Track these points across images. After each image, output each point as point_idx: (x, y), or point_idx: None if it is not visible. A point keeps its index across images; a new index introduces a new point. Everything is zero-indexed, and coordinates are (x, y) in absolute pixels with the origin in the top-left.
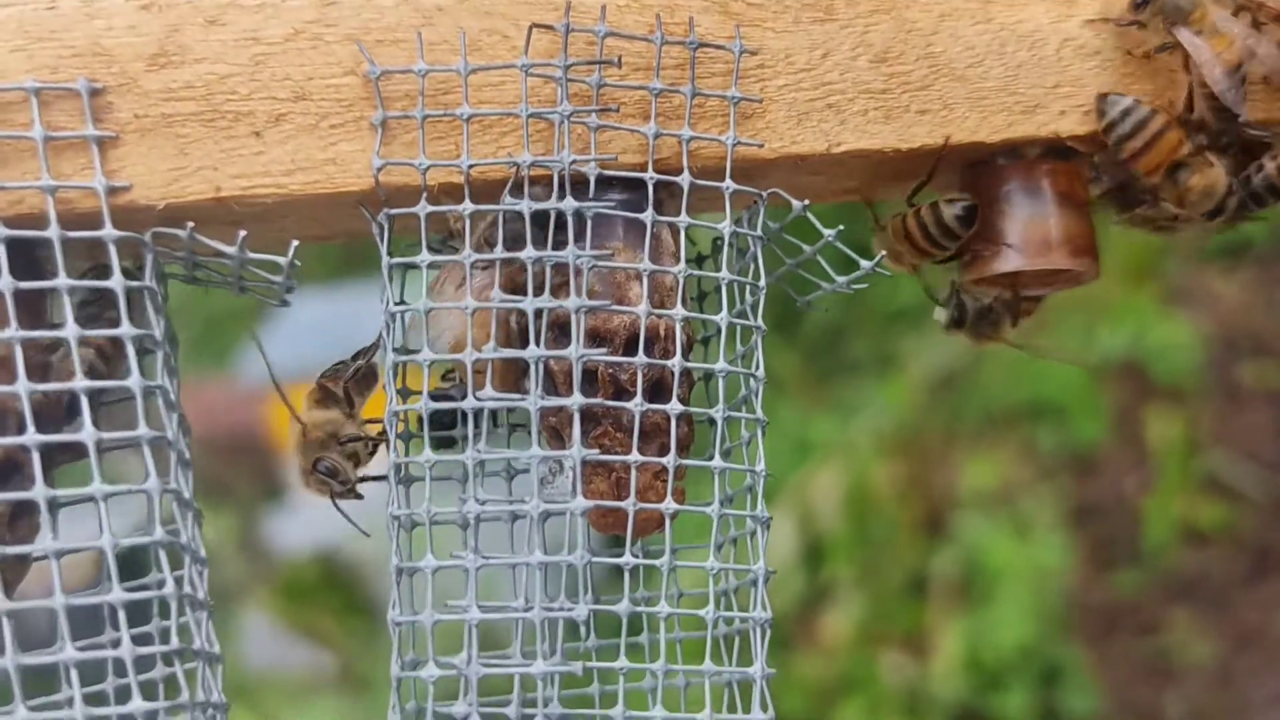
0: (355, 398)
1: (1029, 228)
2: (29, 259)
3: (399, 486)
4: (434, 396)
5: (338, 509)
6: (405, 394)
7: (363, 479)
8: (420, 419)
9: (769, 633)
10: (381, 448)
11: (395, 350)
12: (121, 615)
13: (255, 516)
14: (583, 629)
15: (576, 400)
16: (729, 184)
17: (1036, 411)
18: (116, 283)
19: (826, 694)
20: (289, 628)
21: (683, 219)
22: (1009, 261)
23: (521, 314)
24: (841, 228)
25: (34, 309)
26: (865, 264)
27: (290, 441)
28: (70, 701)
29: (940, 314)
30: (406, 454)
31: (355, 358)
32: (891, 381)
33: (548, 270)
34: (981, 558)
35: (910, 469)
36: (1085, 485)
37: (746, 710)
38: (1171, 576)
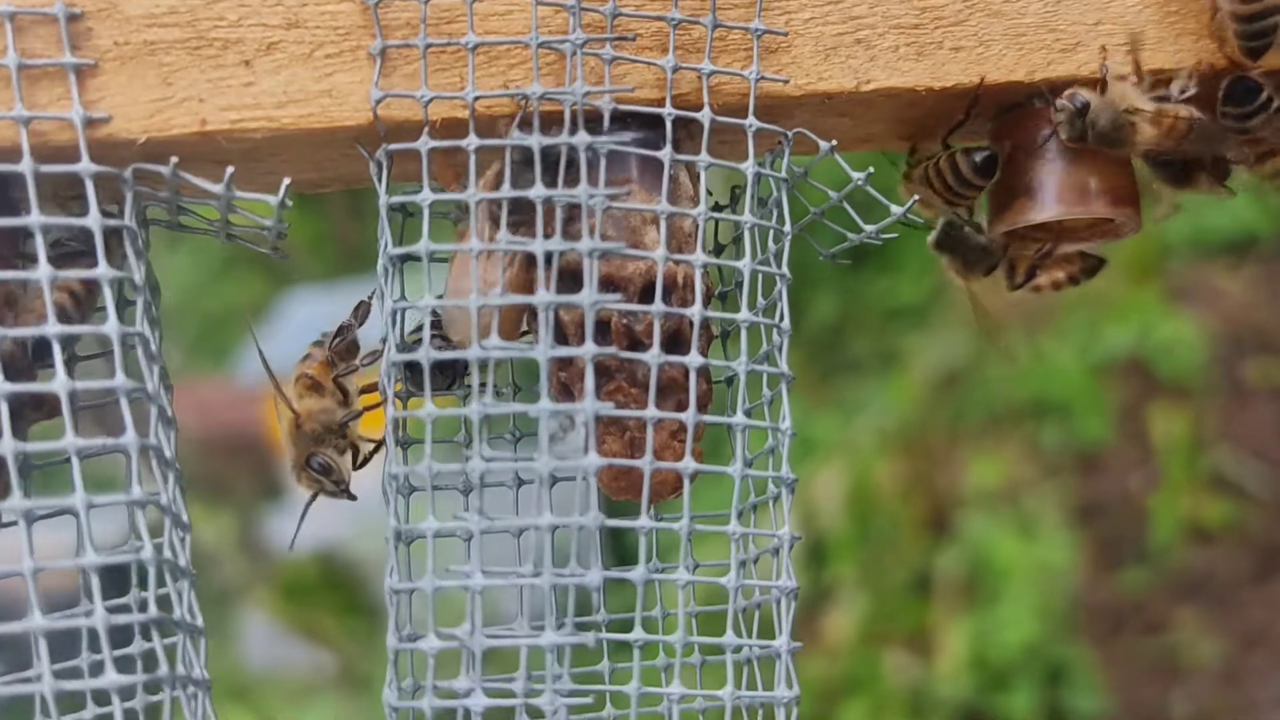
0: (347, 387)
1: (1067, 174)
2: (3, 201)
3: (397, 447)
4: (435, 348)
5: (304, 511)
6: (405, 348)
7: (364, 461)
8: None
9: (794, 603)
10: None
11: (394, 299)
12: (95, 582)
13: (254, 516)
14: (595, 597)
15: (589, 350)
16: (752, 122)
17: (1041, 409)
18: (93, 220)
19: (830, 694)
20: (289, 627)
21: (703, 158)
22: (1045, 209)
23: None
24: (871, 170)
25: (5, 249)
26: (895, 209)
27: (282, 433)
28: (40, 676)
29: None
30: (405, 409)
31: (338, 333)
32: (894, 380)
33: (558, 212)
34: (986, 557)
35: (914, 467)
36: (1090, 483)
37: (769, 687)
38: (1177, 575)
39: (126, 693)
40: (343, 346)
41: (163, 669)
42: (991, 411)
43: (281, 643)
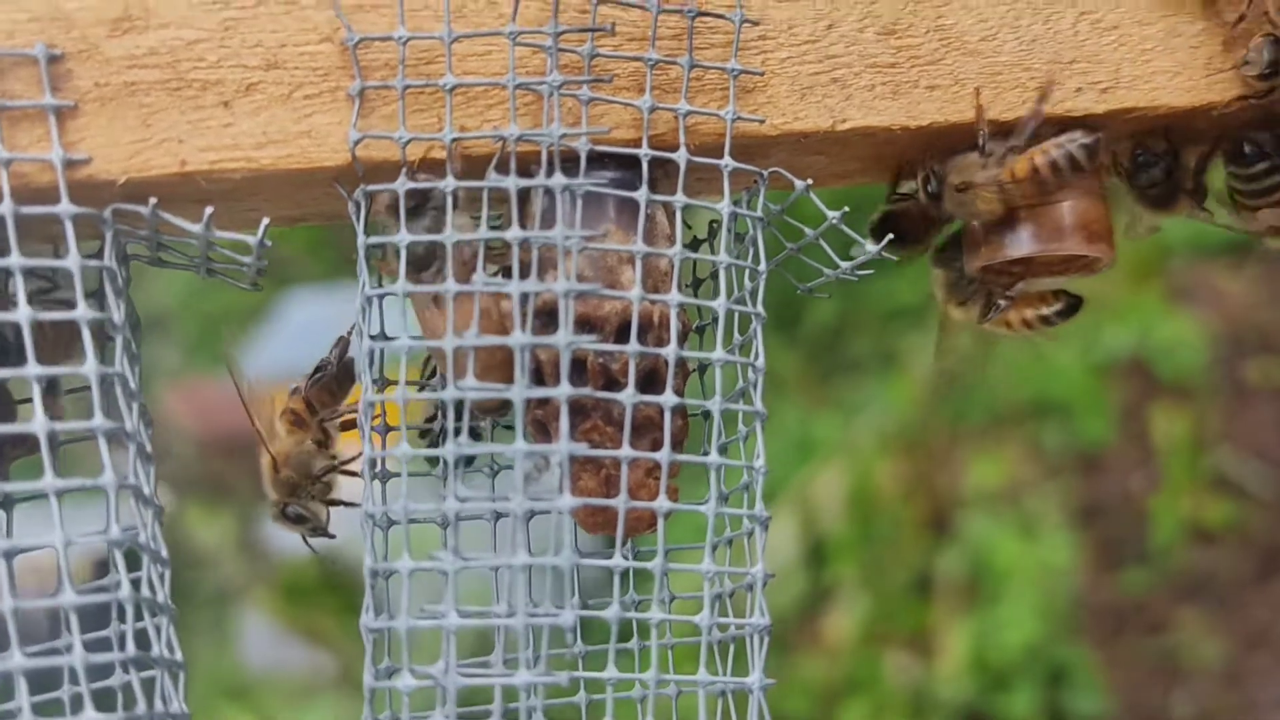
0: (328, 428)
1: (1042, 212)
2: None
3: (374, 483)
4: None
5: (309, 546)
6: (382, 384)
7: (334, 502)
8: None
9: (767, 640)
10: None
11: (372, 338)
12: (73, 620)
13: (254, 517)
14: (569, 636)
15: (564, 391)
16: (728, 162)
17: (1042, 410)
18: (73, 262)
19: (830, 695)
20: (288, 628)
21: (679, 198)
22: (1021, 246)
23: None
24: (846, 209)
25: None
26: (870, 248)
27: (262, 471)
28: (19, 712)
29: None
30: (384, 448)
31: (318, 369)
32: (894, 380)
33: (534, 254)
34: (987, 557)
35: (914, 468)
36: (1091, 484)
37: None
38: (1179, 576)
39: None
40: (318, 388)
41: (140, 706)
42: (992, 412)
43: (281, 643)
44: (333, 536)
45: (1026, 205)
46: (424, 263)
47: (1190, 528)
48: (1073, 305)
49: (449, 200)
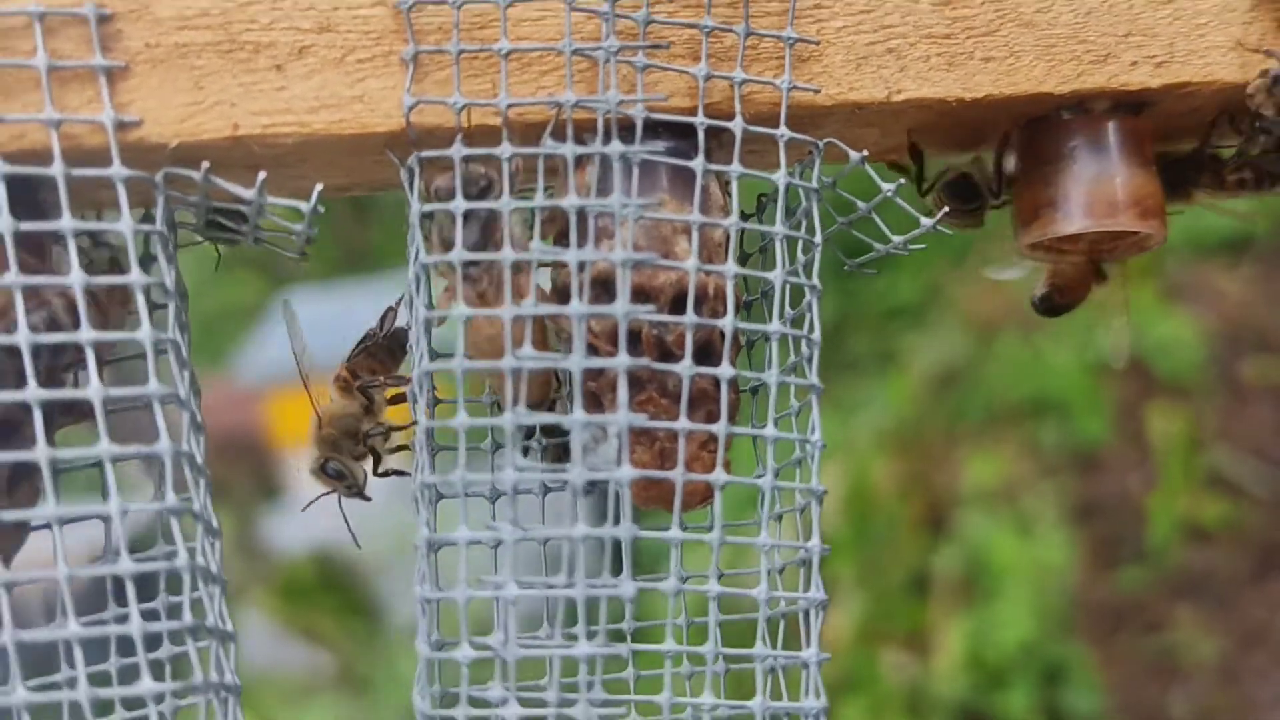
0: (373, 394)
1: (1094, 187)
2: (31, 202)
3: (427, 454)
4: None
5: (342, 513)
6: (435, 355)
7: (384, 473)
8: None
9: (823, 615)
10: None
11: (426, 307)
12: (130, 589)
13: (253, 516)
14: (629, 606)
15: (622, 361)
16: (784, 131)
17: (1039, 408)
18: (125, 225)
19: (828, 692)
20: (287, 628)
21: (735, 167)
22: (1073, 222)
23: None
24: (902, 181)
25: (36, 255)
26: (925, 221)
27: (309, 432)
28: (73, 682)
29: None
30: (433, 418)
31: (364, 339)
32: (892, 379)
33: (591, 225)
34: (984, 556)
35: (911, 467)
36: (1088, 482)
37: (796, 697)
38: (1175, 574)
39: (157, 698)
40: (363, 355)
41: (197, 675)
42: (990, 411)
43: (279, 643)
44: (368, 499)
45: None
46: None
47: (1187, 526)
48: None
49: (505, 167)
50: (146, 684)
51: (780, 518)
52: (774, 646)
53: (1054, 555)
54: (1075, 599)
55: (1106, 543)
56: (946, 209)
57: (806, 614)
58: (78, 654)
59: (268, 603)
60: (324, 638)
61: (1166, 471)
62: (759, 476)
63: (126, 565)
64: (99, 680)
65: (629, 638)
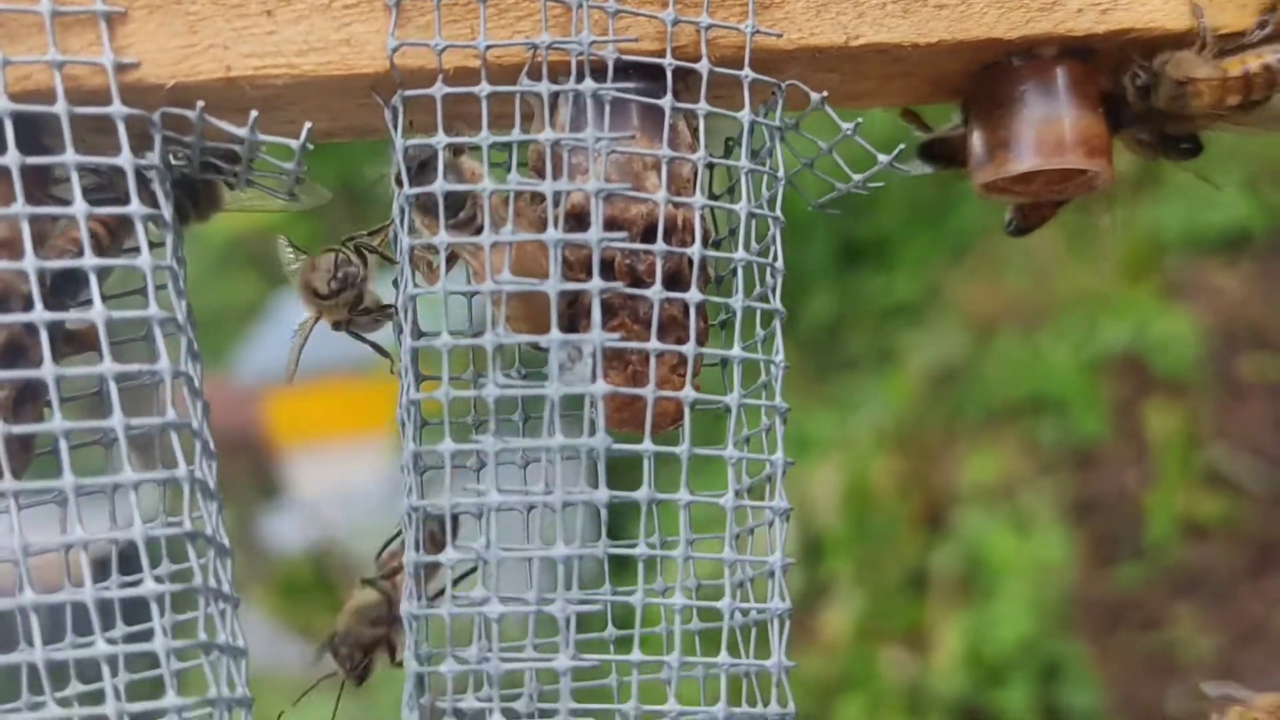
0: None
1: (1043, 128)
2: (35, 142)
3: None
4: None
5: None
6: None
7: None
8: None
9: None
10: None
11: (410, 234)
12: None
13: (251, 515)
14: (603, 514)
15: (596, 285)
16: (747, 73)
17: (1037, 406)
18: (125, 160)
19: (827, 691)
20: (284, 626)
21: (702, 105)
22: (1023, 161)
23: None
24: (860, 120)
25: (36, 190)
26: (882, 158)
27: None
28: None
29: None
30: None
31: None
32: (890, 377)
33: (565, 160)
34: (982, 553)
35: (910, 465)
36: (1086, 480)
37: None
38: (1173, 571)
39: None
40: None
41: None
42: (988, 408)
43: (277, 641)
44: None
45: (1230, 110)
46: (459, 205)
47: (1184, 523)
48: None
49: (484, 105)
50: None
51: (749, 440)
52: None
53: (1052, 552)
54: (1073, 596)
55: (1104, 540)
56: (900, 149)
57: (772, 524)
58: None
59: (266, 601)
60: (321, 636)
61: (1164, 469)
62: (728, 397)
63: (140, 529)
64: (92, 700)
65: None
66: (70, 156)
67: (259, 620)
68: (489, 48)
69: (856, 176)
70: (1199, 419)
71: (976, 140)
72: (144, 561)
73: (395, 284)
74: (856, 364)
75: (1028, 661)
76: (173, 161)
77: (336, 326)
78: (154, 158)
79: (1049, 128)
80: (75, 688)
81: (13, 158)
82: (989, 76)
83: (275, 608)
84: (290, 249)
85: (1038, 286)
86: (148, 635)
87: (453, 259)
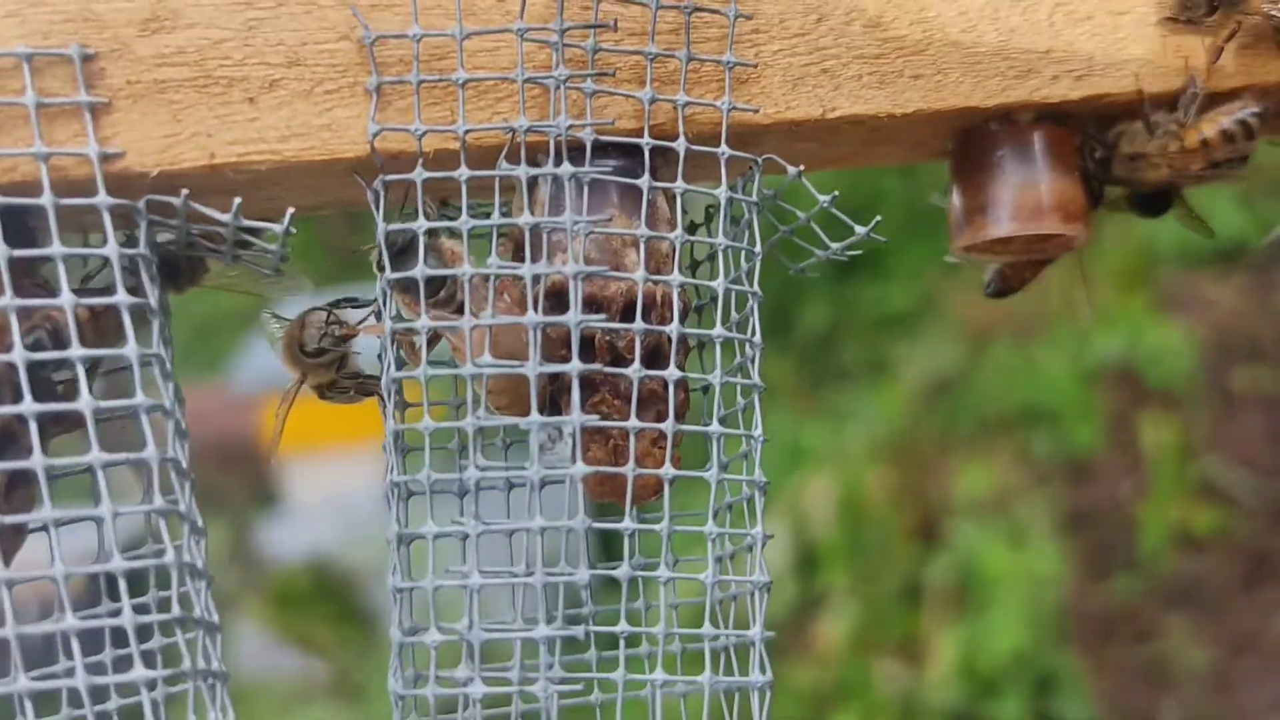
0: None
1: (1021, 193)
2: (22, 230)
3: (398, 455)
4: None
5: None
6: (401, 363)
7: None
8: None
9: (768, 596)
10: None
11: (393, 319)
12: (122, 584)
13: (247, 524)
14: (584, 593)
15: (575, 366)
16: (724, 149)
17: (1030, 418)
18: (111, 250)
19: (821, 702)
20: (281, 636)
21: (679, 184)
22: (1001, 227)
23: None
24: (837, 193)
25: (29, 276)
26: (860, 229)
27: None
28: (70, 671)
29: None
30: (403, 421)
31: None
32: (884, 388)
33: (544, 241)
34: (976, 565)
35: (904, 476)
36: (1080, 491)
37: (745, 674)
38: (1167, 583)
39: (150, 684)
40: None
41: (186, 663)
42: (982, 420)
43: (274, 651)
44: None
45: (1190, 174)
46: (437, 286)
47: (1178, 535)
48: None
49: (463, 189)
50: (139, 671)
51: (731, 507)
52: (726, 627)
53: (1046, 564)
54: (1067, 608)
55: (1098, 552)
56: (877, 221)
57: (753, 596)
58: (75, 646)
59: (262, 611)
60: (318, 645)
61: (1157, 481)
62: (707, 470)
63: (118, 563)
64: (95, 670)
65: (589, 621)
66: (57, 248)
67: (254, 629)
68: (468, 131)
69: (834, 245)
70: (1193, 431)
71: (956, 203)
72: (111, 543)
73: (380, 359)
74: (850, 374)
75: (1022, 673)
76: (158, 239)
77: (320, 392)
78: (141, 245)
79: (1026, 193)
80: (65, 663)
81: (0, 251)
82: (969, 140)
83: (271, 618)
84: (275, 320)
85: (1031, 297)
86: (143, 610)
87: (435, 337)
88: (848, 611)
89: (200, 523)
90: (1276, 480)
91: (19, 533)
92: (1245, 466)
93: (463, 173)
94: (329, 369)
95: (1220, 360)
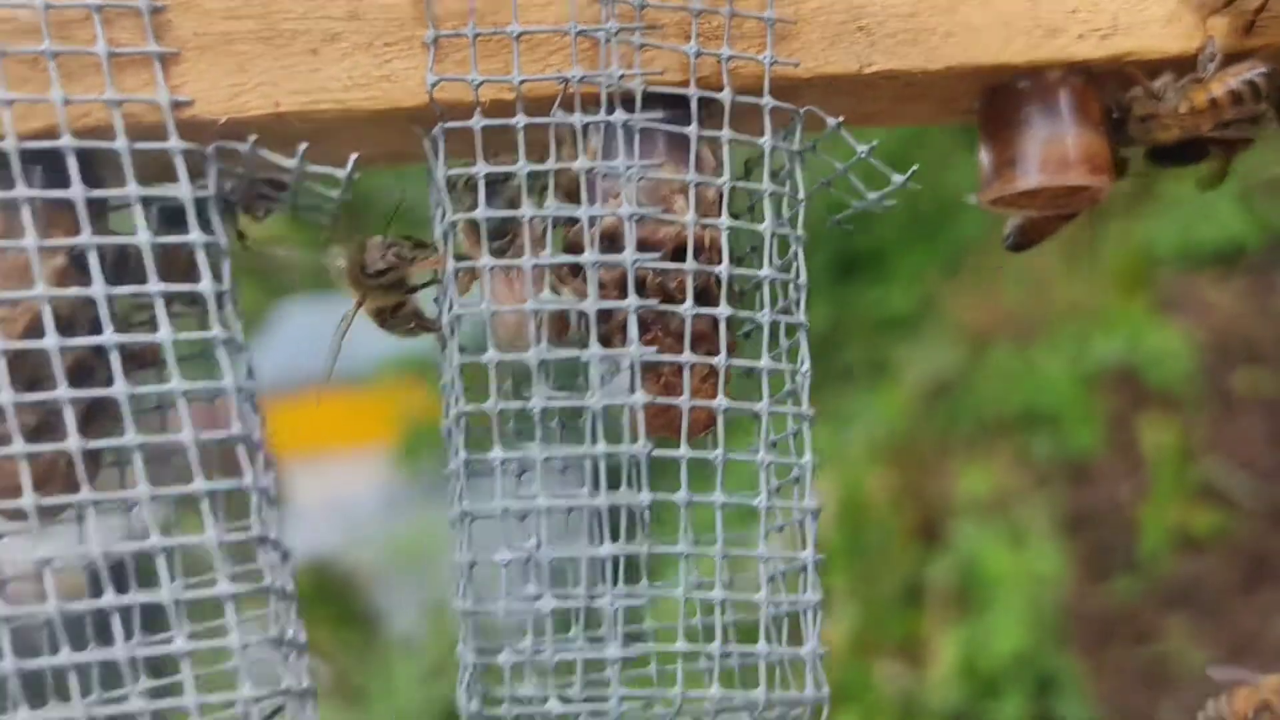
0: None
1: (1048, 146)
2: (90, 175)
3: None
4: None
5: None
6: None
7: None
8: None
9: (816, 521)
10: None
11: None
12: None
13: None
14: (645, 513)
15: (631, 302)
16: (768, 100)
17: (1031, 419)
18: (184, 190)
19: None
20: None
21: (725, 133)
22: (1030, 179)
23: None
24: (876, 143)
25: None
26: (897, 178)
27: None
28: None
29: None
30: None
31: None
32: (884, 390)
33: (598, 187)
34: (976, 566)
35: (904, 477)
36: (1080, 493)
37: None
38: (1167, 584)
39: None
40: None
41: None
42: (982, 421)
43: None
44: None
45: (1202, 136)
46: (499, 233)
47: (1178, 537)
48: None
49: (520, 136)
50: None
51: (775, 444)
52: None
53: (1046, 565)
54: (1067, 609)
55: (1098, 553)
56: (914, 169)
57: (802, 524)
58: (177, 614)
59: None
60: (319, 648)
61: (1157, 482)
62: (757, 403)
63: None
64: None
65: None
66: (133, 189)
67: (257, 632)
68: (523, 82)
69: (871, 195)
70: (1193, 433)
71: (985, 158)
72: (209, 519)
73: (436, 302)
74: (851, 376)
75: (1022, 674)
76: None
77: (381, 319)
78: (210, 188)
79: (1053, 146)
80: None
81: (77, 191)
82: (997, 98)
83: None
84: (337, 252)
85: (1032, 300)
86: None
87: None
88: (848, 612)
89: (287, 548)
90: (1276, 482)
91: (96, 463)
92: (1245, 468)
93: (519, 120)
94: (390, 291)
95: (1220, 362)
